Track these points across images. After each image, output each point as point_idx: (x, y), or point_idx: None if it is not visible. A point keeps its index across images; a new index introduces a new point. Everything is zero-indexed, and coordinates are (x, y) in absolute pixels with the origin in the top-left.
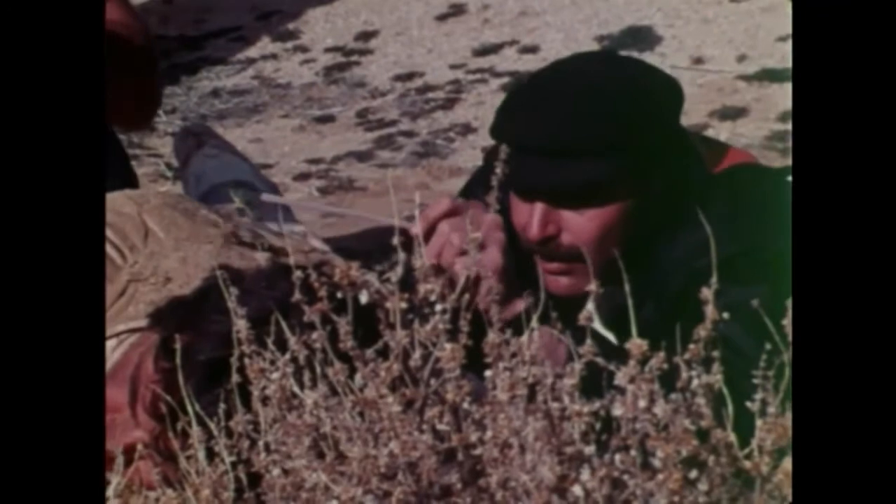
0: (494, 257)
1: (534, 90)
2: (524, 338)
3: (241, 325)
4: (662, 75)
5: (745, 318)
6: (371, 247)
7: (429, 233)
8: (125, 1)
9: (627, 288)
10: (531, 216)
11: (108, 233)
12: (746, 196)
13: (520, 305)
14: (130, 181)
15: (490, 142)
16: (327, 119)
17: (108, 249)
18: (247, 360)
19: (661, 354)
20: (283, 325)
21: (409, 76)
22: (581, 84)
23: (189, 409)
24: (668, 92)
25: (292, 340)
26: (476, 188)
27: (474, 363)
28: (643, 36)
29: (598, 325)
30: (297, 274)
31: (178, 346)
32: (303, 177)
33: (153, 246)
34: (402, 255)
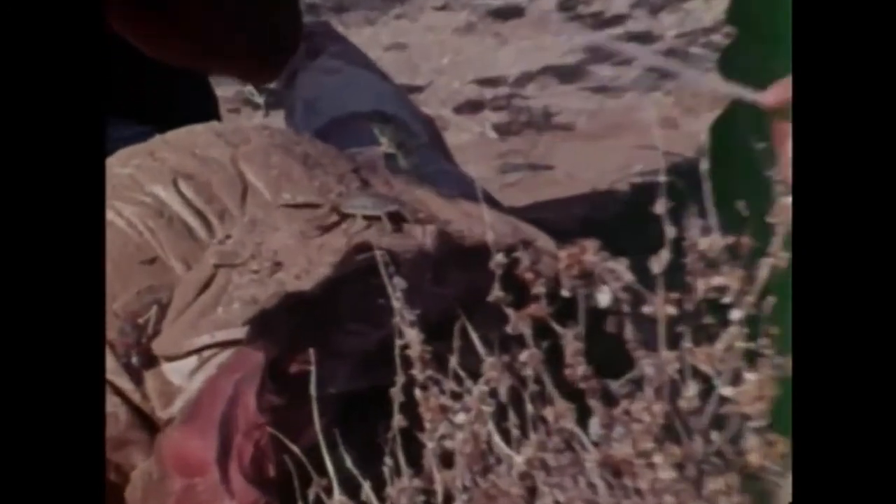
0: None
1: None
2: None
3: (411, 337)
4: None
5: None
6: (581, 218)
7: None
8: None
9: None
10: None
11: (184, 187)
12: None
13: None
14: (210, 109)
15: None
16: (511, 13)
17: (185, 215)
18: (417, 393)
19: None
20: (474, 338)
21: None
22: None
23: (329, 469)
24: None
25: (488, 363)
26: None
27: None
28: None
29: None
30: (498, 258)
31: (296, 370)
32: (472, 106)
33: (255, 211)
34: (669, 231)
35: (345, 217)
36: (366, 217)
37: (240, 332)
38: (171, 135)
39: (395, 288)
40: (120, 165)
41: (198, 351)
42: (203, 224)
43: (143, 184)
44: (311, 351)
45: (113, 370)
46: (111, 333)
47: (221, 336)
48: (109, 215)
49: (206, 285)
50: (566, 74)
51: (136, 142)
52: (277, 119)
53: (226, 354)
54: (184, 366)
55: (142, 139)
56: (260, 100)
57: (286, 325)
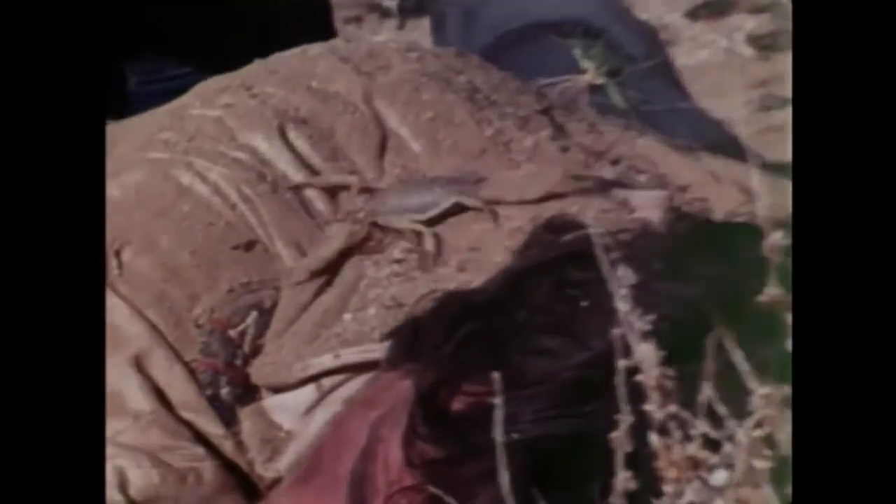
0: None
1: None
2: None
3: (644, 356)
4: None
5: None
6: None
7: None
8: None
9: None
10: None
11: (295, 137)
12: None
13: None
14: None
15: None
16: None
17: (298, 178)
18: (653, 440)
19: None
20: (737, 358)
21: None
22: None
23: None
24: None
25: (760, 395)
26: None
27: None
28: None
29: None
30: (775, 239)
31: (462, 407)
32: (714, 8)
33: (399, 172)
34: None
35: (382, 230)
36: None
37: (377, 351)
38: (277, 60)
39: (621, 283)
40: (202, 105)
41: (316, 378)
42: (322, 191)
43: (236, 132)
44: (496, 377)
45: (193, 406)
46: (191, 352)
47: (350, 356)
48: (187, 179)
49: (329, 280)
50: None
51: (166, 95)
52: (419, 33)
53: (356, 384)
54: (296, 400)
55: (180, 88)
56: (392, 2)
57: (446, 341)
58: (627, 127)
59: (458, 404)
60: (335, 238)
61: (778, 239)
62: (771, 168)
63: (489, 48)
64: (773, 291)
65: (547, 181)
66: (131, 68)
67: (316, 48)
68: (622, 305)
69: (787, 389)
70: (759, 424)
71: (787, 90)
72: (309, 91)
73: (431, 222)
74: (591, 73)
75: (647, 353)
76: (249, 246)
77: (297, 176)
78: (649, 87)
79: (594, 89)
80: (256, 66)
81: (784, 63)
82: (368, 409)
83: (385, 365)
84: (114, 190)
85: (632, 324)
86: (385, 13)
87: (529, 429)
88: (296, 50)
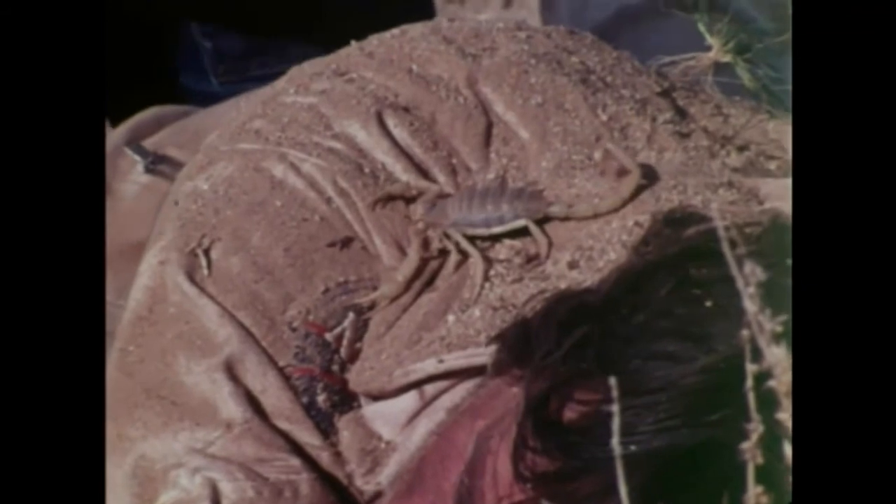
0: None
1: None
2: None
3: (776, 360)
4: None
5: None
6: None
7: None
8: None
9: None
10: None
11: (394, 125)
12: None
13: None
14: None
15: None
16: None
17: (397, 169)
18: (786, 452)
19: None
20: None
21: None
22: None
23: None
24: None
25: None
26: None
27: None
28: None
29: None
30: None
31: (575, 415)
32: None
33: (507, 162)
34: None
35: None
36: (488, 238)
37: (483, 355)
38: (374, 42)
39: (749, 280)
40: (295, 92)
41: (418, 384)
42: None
43: (331, 121)
44: (612, 382)
45: (289, 415)
46: (285, 357)
47: (454, 361)
48: (279, 171)
49: (430, 281)
50: None
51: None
52: (527, 11)
53: (461, 391)
54: (397, 408)
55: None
56: None
57: (558, 345)
58: (757, 109)
59: (570, 413)
60: (409, 257)
61: None
62: None
63: (604, 25)
64: None
65: (618, 197)
66: (214, 69)
67: (416, 29)
68: (750, 305)
69: None
70: None
71: None
72: (409, 75)
73: (495, 238)
74: (715, 50)
75: (779, 357)
76: (346, 243)
77: (395, 167)
78: (782, 65)
79: (720, 68)
80: (352, 49)
81: None
82: (475, 418)
83: (492, 371)
84: (202, 183)
85: (762, 325)
86: None
87: (649, 439)
88: (394, 31)
